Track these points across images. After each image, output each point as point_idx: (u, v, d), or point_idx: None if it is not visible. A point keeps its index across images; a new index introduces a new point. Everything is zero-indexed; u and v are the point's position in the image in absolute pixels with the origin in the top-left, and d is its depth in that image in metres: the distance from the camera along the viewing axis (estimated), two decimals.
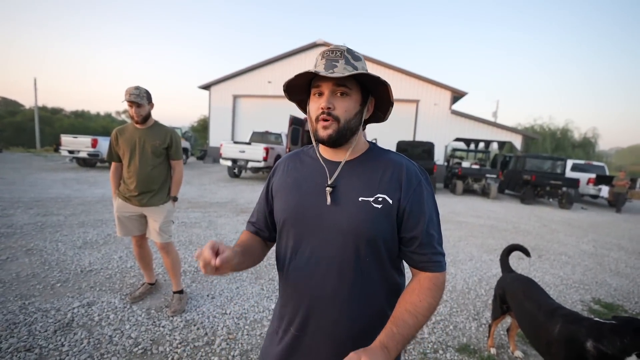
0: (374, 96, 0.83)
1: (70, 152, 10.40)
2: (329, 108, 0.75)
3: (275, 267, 0.93)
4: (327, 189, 0.79)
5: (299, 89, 0.83)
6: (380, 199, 0.77)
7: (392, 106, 0.83)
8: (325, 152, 0.86)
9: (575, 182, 10.00)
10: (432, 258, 0.77)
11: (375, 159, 0.83)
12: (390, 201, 0.77)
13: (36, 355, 1.79)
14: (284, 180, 0.89)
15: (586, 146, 25.88)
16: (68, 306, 2.30)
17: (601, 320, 1.37)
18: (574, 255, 4.70)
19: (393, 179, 0.79)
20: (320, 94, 0.78)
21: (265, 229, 0.95)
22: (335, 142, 0.78)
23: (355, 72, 0.72)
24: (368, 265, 0.78)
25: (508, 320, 2.37)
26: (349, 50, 0.76)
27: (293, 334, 0.83)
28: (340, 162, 0.82)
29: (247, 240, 0.92)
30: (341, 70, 0.73)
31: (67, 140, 10.43)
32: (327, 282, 0.78)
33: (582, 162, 13.20)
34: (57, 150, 12.48)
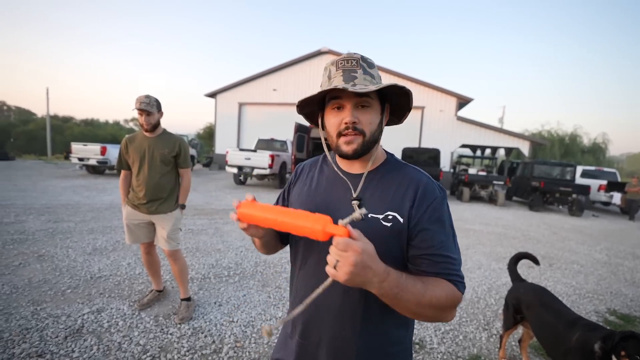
0: (390, 102, 0.81)
1: (80, 159, 10.59)
2: (354, 122, 0.72)
3: (281, 275, 0.91)
4: (354, 202, 0.75)
5: (311, 101, 0.79)
6: (390, 217, 0.73)
7: (410, 111, 0.81)
8: (342, 162, 0.84)
9: (585, 189, 9.84)
10: (454, 272, 0.71)
11: (391, 173, 0.80)
12: (401, 220, 0.72)
13: None
14: (301, 189, 0.87)
15: (596, 152, 25.49)
16: (78, 312, 2.33)
17: (617, 331, 1.40)
18: (586, 264, 4.61)
19: (407, 195, 0.74)
20: (340, 108, 0.74)
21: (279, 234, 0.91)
22: (360, 155, 0.75)
23: (382, 85, 0.69)
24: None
25: (519, 330, 2.33)
26: (364, 58, 0.74)
27: (297, 341, 0.82)
28: (361, 174, 0.79)
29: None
30: (361, 80, 0.70)
31: (77, 148, 10.62)
32: (332, 296, 0.75)
33: (592, 168, 13.01)
34: (67, 157, 12.71)
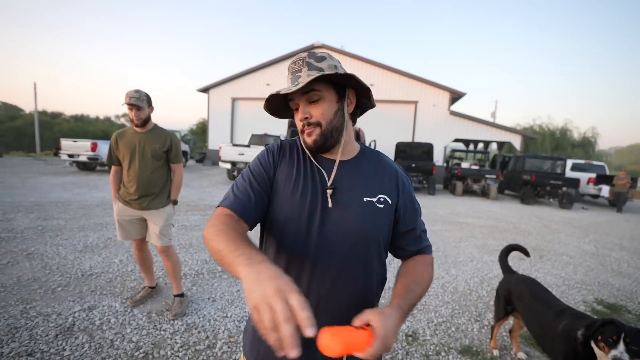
0: (352, 87, 0.81)
1: (70, 156, 10.40)
2: (306, 118, 0.77)
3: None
4: (328, 191, 0.78)
5: (283, 108, 0.85)
6: (382, 200, 0.81)
7: (370, 90, 0.81)
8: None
9: (575, 182, 10.01)
10: (426, 244, 0.90)
11: (371, 161, 0.86)
12: (390, 201, 0.82)
13: (38, 359, 1.78)
14: (287, 174, 0.82)
15: (586, 146, 25.92)
16: (69, 310, 2.30)
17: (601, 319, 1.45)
18: (575, 256, 4.70)
19: (392, 181, 0.84)
20: (297, 108, 0.80)
21: (254, 216, 0.78)
22: (322, 146, 0.79)
23: (304, 82, 0.71)
24: (368, 262, 0.81)
25: (510, 321, 2.37)
26: (311, 55, 0.77)
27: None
28: (335, 160, 0.82)
29: (235, 232, 0.70)
30: (304, 78, 0.74)
31: (67, 144, 10.43)
32: (327, 279, 0.77)
33: (582, 161, 13.21)
34: (57, 154, 12.49)
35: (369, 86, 0.80)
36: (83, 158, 10.28)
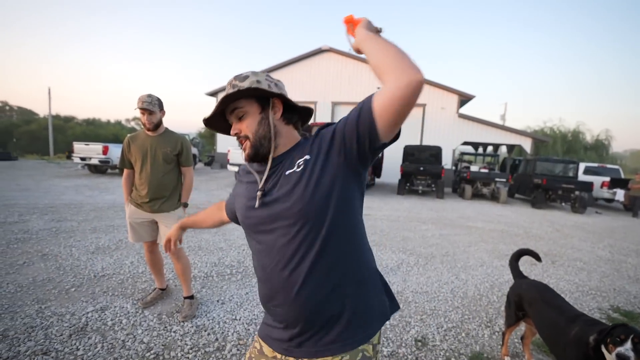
0: (275, 96, 0.87)
1: (82, 159, 10.62)
2: (237, 134, 0.87)
3: None
4: (258, 193, 0.85)
5: (226, 125, 0.95)
6: (300, 163, 0.81)
7: (282, 95, 0.87)
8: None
9: (588, 186, 9.80)
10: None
11: (302, 145, 0.88)
12: (309, 157, 0.80)
13: (52, 358, 1.82)
14: (238, 187, 1.00)
15: (599, 148, 25.38)
16: (82, 311, 2.34)
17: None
18: (589, 261, 4.60)
19: (313, 143, 0.84)
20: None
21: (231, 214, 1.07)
22: (255, 156, 0.86)
23: (217, 104, 0.85)
24: (317, 226, 0.80)
25: (522, 327, 2.33)
26: (236, 77, 0.86)
27: (272, 308, 0.87)
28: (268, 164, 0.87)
29: (211, 211, 1.19)
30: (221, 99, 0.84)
31: (79, 148, 10.66)
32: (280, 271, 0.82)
33: (595, 165, 12.96)
34: (69, 157, 12.76)
35: (279, 93, 0.87)
36: (94, 161, 10.49)
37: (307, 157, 0.81)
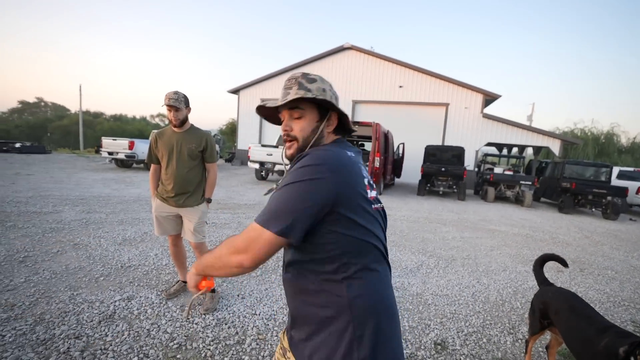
0: (335, 110, 0.90)
1: (110, 153, 11.09)
2: (286, 130, 0.88)
3: None
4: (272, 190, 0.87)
5: (275, 116, 0.97)
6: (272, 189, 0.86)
7: (347, 116, 0.92)
8: None
9: (622, 191, 9.27)
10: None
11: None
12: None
13: (84, 343, 1.92)
14: None
15: (635, 152, 23.91)
16: (110, 299, 2.45)
17: None
18: (621, 271, 4.36)
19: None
20: (283, 119, 0.91)
21: None
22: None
23: (295, 97, 0.83)
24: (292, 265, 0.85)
25: (547, 336, 2.24)
26: (304, 76, 0.86)
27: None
28: None
29: None
30: (293, 95, 0.84)
31: (107, 143, 11.13)
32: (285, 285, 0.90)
33: (630, 169, 12.21)
34: (98, 151, 13.36)
35: (346, 113, 0.91)
36: (121, 155, 10.93)
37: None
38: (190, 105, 2.45)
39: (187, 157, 2.41)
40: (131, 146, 10.80)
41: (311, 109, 0.87)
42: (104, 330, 2.06)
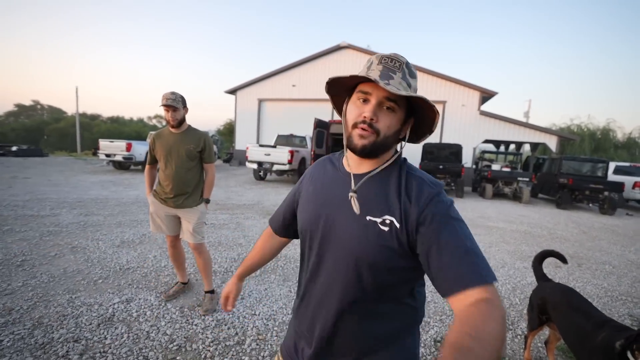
0: (414, 117, 0.78)
1: (107, 155, 11.04)
2: (372, 119, 0.71)
3: None
4: (352, 194, 0.74)
5: (342, 85, 0.78)
6: (387, 222, 0.70)
7: (431, 133, 0.78)
8: (351, 162, 0.81)
9: (619, 186, 9.32)
10: (465, 272, 0.62)
11: (398, 176, 0.76)
12: (398, 225, 0.69)
13: (83, 346, 1.91)
14: (306, 189, 0.89)
15: (631, 147, 24.03)
16: (109, 302, 2.45)
17: None
18: (619, 265, 4.38)
19: (403, 197, 0.72)
20: (366, 101, 0.73)
21: (281, 229, 1.00)
22: (368, 154, 0.74)
23: (412, 94, 0.69)
24: (371, 288, 0.74)
25: (546, 332, 2.25)
26: (408, 65, 0.73)
27: (301, 333, 0.87)
28: (363, 173, 0.78)
29: (261, 244, 1.05)
30: (397, 84, 0.69)
31: (105, 145, 11.08)
32: (333, 297, 0.77)
33: (626, 164, 12.27)
34: (95, 154, 13.29)
35: (434, 130, 0.76)
36: (119, 158, 10.88)
37: (395, 221, 0.70)
38: (188, 106, 2.45)
39: (186, 158, 2.40)
40: (129, 148, 10.76)
41: (402, 107, 0.73)
42: (102, 333, 2.05)
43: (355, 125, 0.73)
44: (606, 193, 9.43)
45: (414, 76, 0.74)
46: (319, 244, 0.80)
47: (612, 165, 11.78)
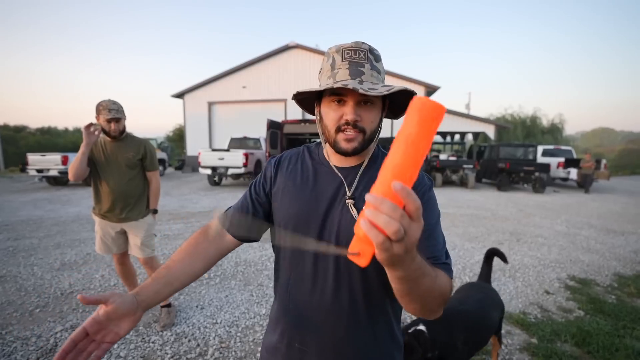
0: (390, 99, 0.75)
1: (39, 171, 9.90)
2: (356, 121, 0.67)
3: (262, 273, 0.88)
4: (349, 201, 0.71)
5: (310, 92, 0.73)
6: None
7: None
8: (333, 156, 0.78)
9: (546, 167, 10.51)
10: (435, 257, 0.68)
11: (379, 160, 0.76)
12: None
13: None
14: (284, 184, 0.80)
15: (554, 132, 27.13)
16: (50, 331, 2.21)
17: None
18: (549, 237, 4.95)
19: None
20: (341, 102, 0.69)
21: (242, 229, 0.82)
22: (358, 153, 0.72)
23: (394, 89, 0.63)
24: (377, 286, 0.72)
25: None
26: (371, 50, 0.68)
27: (287, 345, 0.77)
28: (352, 167, 0.76)
29: (190, 252, 0.77)
30: (369, 77, 0.66)
31: (35, 159, 9.93)
32: (326, 298, 0.72)
33: (551, 147, 13.84)
34: (23, 170, 11.85)
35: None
36: (54, 172, 9.82)
37: None
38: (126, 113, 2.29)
39: (125, 168, 2.24)
40: (64, 161, 9.74)
41: (379, 99, 0.70)
42: None
43: (338, 129, 0.70)
44: (537, 174, 10.57)
45: (379, 59, 0.70)
46: (315, 244, 0.74)
47: (540, 149, 13.22)
